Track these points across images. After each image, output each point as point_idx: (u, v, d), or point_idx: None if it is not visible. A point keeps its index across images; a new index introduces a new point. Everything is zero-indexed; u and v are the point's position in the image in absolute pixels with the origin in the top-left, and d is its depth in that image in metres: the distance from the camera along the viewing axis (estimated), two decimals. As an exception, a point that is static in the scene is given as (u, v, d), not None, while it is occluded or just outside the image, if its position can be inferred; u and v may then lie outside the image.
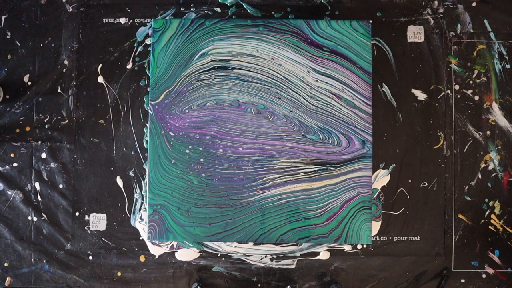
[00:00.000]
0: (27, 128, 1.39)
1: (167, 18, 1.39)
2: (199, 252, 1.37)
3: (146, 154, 1.37)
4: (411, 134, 1.38)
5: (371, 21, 1.27)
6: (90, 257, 1.38)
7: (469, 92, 1.39)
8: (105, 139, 1.39)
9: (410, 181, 1.38)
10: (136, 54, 1.39)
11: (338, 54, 1.25)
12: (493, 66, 1.39)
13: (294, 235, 1.24)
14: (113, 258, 1.38)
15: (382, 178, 1.37)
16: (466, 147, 1.39)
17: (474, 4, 1.40)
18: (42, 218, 1.38)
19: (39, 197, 1.38)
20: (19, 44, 1.40)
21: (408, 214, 1.38)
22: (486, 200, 1.38)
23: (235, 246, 1.36)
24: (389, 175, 1.38)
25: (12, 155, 1.39)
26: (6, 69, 1.40)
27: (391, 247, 1.37)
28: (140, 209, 1.38)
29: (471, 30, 1.40)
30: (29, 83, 1.39)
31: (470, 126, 1.39)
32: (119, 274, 1.38)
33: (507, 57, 1.39)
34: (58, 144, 1.39)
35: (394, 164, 1.38)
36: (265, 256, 1.37)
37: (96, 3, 1.40)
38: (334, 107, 1.25)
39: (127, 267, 1.38)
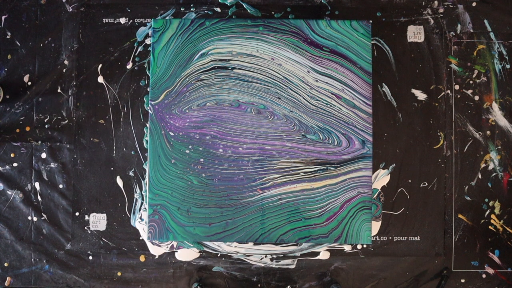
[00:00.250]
0: (27, 128, 1.39)
1: (167, 18, 1.39)
2: (199, 252, 1.37)
3: (146, 154, 1.37)
4: (411, 134, 1.38)
5: (371, 21, 1.27)
6: (90, 257, 1.38)
7: (469, 92, 1.39)
8: (105, 139, 1.39)
9: (410, 181, 1.38)
10: (136, 54, 1.39)
11: (338, 54, 1.25)
12: (493, 66, 1.39)
13: (294, 235, 1.24)
14: (113, 258, 1.38)
15: (382, 178, 1.37)
16: (466, 147, 1.39)
17: (474, 4, 1.40)
18: (42, 218, 1.38)
19: (39, 197, 1.38)
20: (19, 44, 1.40)
21: (408, 214, 1.38)
22: (486, 200, 1.38)
23: (235, 246, 1.36)
24: (389, 175, 1.38)
25: (12, 155, 1.39)
26: (6, 69, 1.40)
27: (391, 247, 1.37)
28: (140, 209, 1.38)
29: (471, 30, 1.40)
30: (29, 83, 1.39)
31: (470, 126, 1.39)
32: (119, 274, 1.38)
33: (507, 57, 1.39)
34: (58, 144, 1.39)
35: (394, 164, 1.38)
36: (265, 256, 1.37)
37: (96, 3, 1.40)
38: (334, 107, 1.25)
39: (127, 267, 1.38)
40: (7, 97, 1.39)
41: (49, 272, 1.38)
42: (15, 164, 1.38)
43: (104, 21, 1.40)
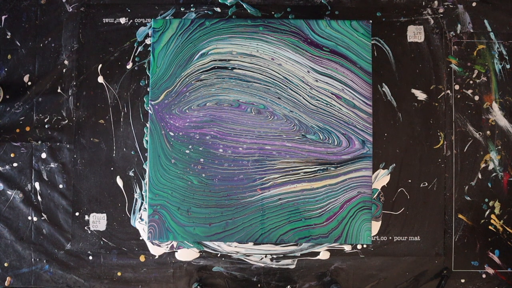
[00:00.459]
0: (27, 128, 1.39)
1: (167, 18, 1.39)
2: (199, 252, 1.37)
3: (146, 154, 1.37)
4: (411, 134, 1.38)
5: (371, 21, 1.27)
6: (90, 257, 1.38)
7: (469, 92, 1.39)
8: (105, 139, 1.39)
9: (410, 181, 1.38)
10: (136, 54, 1.39)
11: (338, 54, 1.25)
12: (493, 66, 1.39)
13: (294, 235, 1.24)
14: (113, 258, 1.38)
15: (382, 178, 1.37)
16: (466, 147, 1.39)
17: (474, 4, 1.40)
18: (42, 218, 1.38)
19: (39, 197, 1.38)
20: (19, 44, 1.40)
21: (408, 214, 1.38)
22: (486, 200, 1.38)
23: (235, 246, 1.36)
24: (389, 175, 1.38)
25: (12, 155, 1.39)
26: (6, 69, 1.40)
27: (391, 247, 1.37)
28: (140, 209, 1.38)
29: (471, 30, 1.40)
30: (29, 83, 1.39)
31: (470, 126, 1.39)
32: (119, 274, 1.38)
33: (507, 57, 1.39)
34: (58, 144, 1.39)
35: (394, 164, 1.38)
36: (265, 256, 1.37)
37: (96, 3, 1.40)
38: (334, 107, 1.25)
39: (127, 267, 1.38)
40: (7, 97, 1.39)
41: (49, 272, 1.38)
42: (15, 164, 1.38)
43: (104, 21, 1.40)
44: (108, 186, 1.38)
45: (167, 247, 1.37)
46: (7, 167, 1.38)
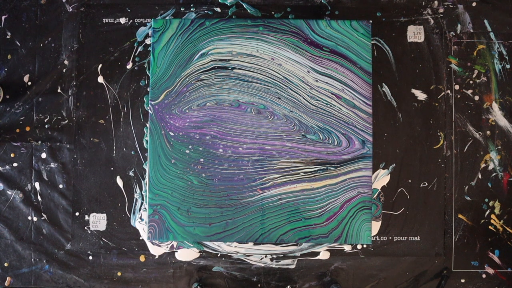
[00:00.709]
0: (27, 128, 1.39)
1: (167, 18, 1.39)
2: (199, 252, 1.37)
3: (146, 154, 1.37)
4: (411, 134, 1.38)
5: (371, 21, 1.27)
6: (90, 257, 1.38)
7: (469, 92, 1.39)
8: (105, 139, 1.39)
9: (410, 181, 1.38)
10: (136, 54, 1.39)
11: (338, 54, 1.25)
12: (493, 66, 1.39)
13: (294, 235, 1.24)
14: (113, 258, 1.38)
15: (382, 178, 1.37)
16: (466, 147, 1.39)
17: (474, 4, 1.40)
18: (42, 218, 1.38)
19: (39, 197, 1.38)
20: (19, 44, 1.40)
21: (408, 214, 1.38)
22: (486, 200, 1.38)
23: (235, 246, 1.36)
24: (389, 175, 1.38)
25: (12, 155, 1.39)
26: (6, 69, 1.40)
27: (391, 247, 1.37)
28: (140, 209, 1.38)
29: (471, 30, 1.40)
30: (29, 83, 1.39)
31: (470, 126, 1.39)
32: (119, 274, 1.38)
33: (507, 57, 1.39)
34: (58, 144, 1.39)
35: (394, 164, 1.38)
36: (265, 256, 1.37)
37: (96, 3, 1.40)
38: (334, 107, 1.25)
39: (127, 267, 1.38)
40: (7, 97, 1.39)
41: (49, 272, 1.38)
42: (15, 164, 1.38)
43: (104, 21, 1.40)
44: (108, 186, 1.38)
45: (167, 247, 1.37)
46: (7, 167, 1.38)
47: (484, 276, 1.38)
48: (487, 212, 1.38)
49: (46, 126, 1.39)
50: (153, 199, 1.24)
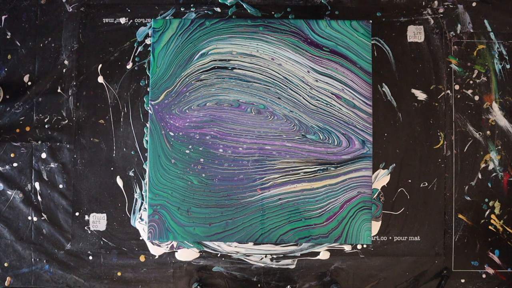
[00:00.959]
0: (27, 128, 1.39)
1: (167, 18, 1.39)
2: (199, 252, 1.37)
3: (146, 154, 1.37)
4: (411, 134, 1.38)
5: (371, 21, 1.27)
6: (90, 257, 1.38)
7: (469, 92, 1.39)
8: (105, 139, 1.39)
9: (410, 181, 1.38)
10: (136, 54, 1.39)
11: (338, 54, 1.25)
12: (493, 66, 1.39)
13: (294, 235, 1.24)
14: (113, 258, 1.38)
15: (382, 178, 1.37)
16: (466, 147, 1.39)
17: (474, 4, 1.40)
18: (42, 218, 1.38)
19: (39, 197, 1.38)
20: (19, 44, 1.40)
21: (408, 214, 1.38)
22: (486, 200, 1.38)
23: (235, 246, 1.36)
24: (389, 175, 1.38)
25: (12, 155, 1.39)
26: (6, 69, 1.40)
27: (391, 247, 1.37)
28: (140, 209, 1.38)
29: (471, 30, 1.40)
30: (29, 83, 1.39)
31: (470, 126, 1.39)
32: (119, 274, 1.38)
33: (507, 57, 1.39)
34: (58, 144, 1.39)
35: (394, 164, 1.38)
36: (265, 256, 1.37)
37: (96, 3, 1.40)
38: (334, 107, 1.25)
39: (127, 267, 1.38)
40: (7, 97, 1.39)
41: (49, 272, 1.38)
42: (15, 164, 1.38)
43: (104, 21, 1.40)
44: (108, 186, 1.38)
45: (167, 247, 1.37)
46: (7, 167, 1.38)
47: (484, 276, 1.38)
48: (487, 212, 1.38)
49: (46, 126, 1.39)
50: (153, 199, 1.24)
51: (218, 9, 1.39)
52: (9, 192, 1.38)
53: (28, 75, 1.39)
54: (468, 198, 1.38)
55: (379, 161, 1.38)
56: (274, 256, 1.37)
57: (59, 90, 1.39)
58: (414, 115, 1.38)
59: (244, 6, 1.39)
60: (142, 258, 1.38)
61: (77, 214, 1.38)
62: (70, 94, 1.39)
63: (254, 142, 1.25)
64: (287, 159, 1.24)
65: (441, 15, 1.40)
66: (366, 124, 1.25)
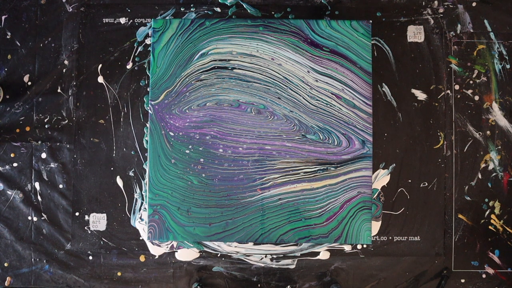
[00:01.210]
0: (27, 128, 1.39)
1: (167, 18, 1.39)
2: (199, 252, 1.37)
3: (146, 154, 1.37)
4: (411, 134, 1.38)
5: (371, 21, 1.27)
6: (90, 257, 1.38)
7: (469, 92, 1.39)
8: (105, 139, 1.39)
9: (410, 181, 1.38)
10: (136, 54, 1.39)
11: (338, 54, 1.25)
12: (493, 66, 1.39)
13: (294, 235, 1.24)
14: (113, 258, 1.38)
15: (382, 178, 1.37)
16: (466, 147, 1.39)
17: (474, 4, 1.40)
18: (42, 218, 1.38)
19: (39, 197, 1.38)
20: (19, 44, 1.40)
21: (408, 214, 1.38)
22: (486, 200, 1.38)
23: (235, 246, 1.36)
24: (389, 175, 1.38)
25: (12, 155, 1.39)
26: (6, 69, 1.40)
27: (391, 247, 1.37)
28: (140, 209, 1.38)
29: (471, 30, 1.40)
30: (29, 83, 1.39)
31: (470, 126, 1.39)
32: (119, 274, 1.38)
33: (507, 57, 1.39)
34: (58, 144, 1.39)
35: (394, 164, 1.38)
36: (265, 256, 1.37)
37: (96, 3, 1.40)
38: (334, 107, 1.25)
39: (127, 267, 1.38)
40: (7, 97, 1.39)
41: (49, 272, 1.38)
42: (15, 164, 1.38)
43: (104, 21, 1.40)
44: (108, 186, 1.38)
45: (167, 247, 1.37)
46: (7, 167, 1.38)
47: (484, 276, 1.38)
48: (487, 212, 1.38)
49: (46, 126, 1.39)
50: (153, 199, 1.24)
51: (218, 9, 1.39)
52: (9, 192, 1.38)
53: (28, 75, 1.39)
54: (468, 198, 1.38)
55: (379, 161, 1.38)
56: (274, 256, 1.37)
57: (59, 90, 1.39)
58: (414, 115, 1.38)
59: (244, 6, 1.39)
60: (142, 258, 1.38)
61: (77, 214, 1.38)
62: (70, 94, 1.39)
63: (254, 142, 1.25)
64: (287, 159, 1.24)
65: (441, 15, 1.40)
66: (366, 124, 1.25)
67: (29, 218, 1.38)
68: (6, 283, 1.37)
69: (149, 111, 1.25)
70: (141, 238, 1.38)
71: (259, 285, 1.38)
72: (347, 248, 1.37)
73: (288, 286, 1.38)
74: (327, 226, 1.23)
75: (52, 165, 1.38)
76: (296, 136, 1.25)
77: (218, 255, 1.37)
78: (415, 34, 1.39)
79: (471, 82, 1.39)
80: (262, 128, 1.25)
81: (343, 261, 1.38)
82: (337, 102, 1.25)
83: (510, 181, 1.38)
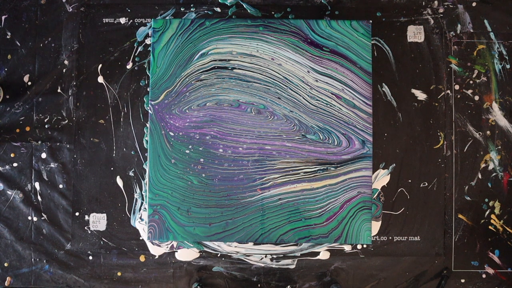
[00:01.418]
0: (27, 128, 1.39)
1: (167, 18, 1.39)
2: (199, 252, 1.37)
3: (146, 154, 1.37)
4: (411, 134, 1.38)
5: (371, 21, 1.27)
6: (90, 257, 1.38)
7: (469, 92, 1.39)
8: (105, 139, 1.39)
9: (410, 181, 1.38)
10: (136, 54, 1.39)
11: (338, 54, 1.25)
12: (493, 66, 1.39)
13: (294, 235, 1.24)
14: (113, 258, 1.38)
15: (382, 178, 1.37)
16: (466, 147, 1.39)
17: (474, 4, 1.40)
18: (42, 218, 1.38)
19: (39, 197, 1.38)
20: (19, 44, 1.40)
21: (408, 214, 1.38)
22: (486, 200, 1.38)
23: (235, 246, 1.36)
24: (389, 175, 1.38)
25: (12, 155, 1.39)
26: (6, 69, 1.40)
27: (391, 247, 1.37)
28: (140, 209, 1.38)
29: (471, 30, 1.40)
30: (29, 83, 1.39)
31: (470, 126, 1.39)
32: (119, 274, 1.38)
33: (507, 57, 1.39)
34: (58, 144, 1.39)
35: (394, 164, 1.38)
36: (265, 256, 1.37)
37: (96, 3, 1.40)
38: (334, 107, 1.25)
39: (127, 267, 1.38)
40: (7, 97, 1.39)
41: (49, 272, 1.38)
42: (15, 164, 1.38)
43: (104, 21, 1.40)
44: (108, 186, 1.38)
45: (167, 247, 1.37)
46: (7, 167, 1.38)
47: (484, 276, 1.38)
48: (487, 212, 1.38)
49: (46, 126, 1.39)
50: (153, 199, 1.24)
51: (218, 9, 1.39)
52: (9, 192, 1.38)
53: (28, 75, 1.39)
54: (468, 198, 1.38)
55: (379, 161, 1.38)
56: (274, 256, 1.37)
57: (59, 90, 1.39)
58: (414, 115, 1.38)
59: (244, 6, 1.39)
60: (142, 258, 1.38)
61: (77, 214, 1.38)
62: (70, 94, 1.39)
63: (254, 142, 1.25)
64: (287, 159, 1.24)
65: (441, 15, 1.40)
66: (366, 124, 1.25)
67: (29, 218, 1.38)
68: (6, 283, 1.37)
69: (149, 111, 1.25)
70: (141, 238, 1.38)
71: (259, 285, 1.38)
72: (347, 248, 1.37)
73: (288, 286, 1.38)
74: (327, 226, 1.23)
75: (52, 165, 1.38)
76: (296, 136, 1.25)
77: (218, 255, 1.37)
78: (415, 34, 1.39)
79: (471, 82, 1.39)
80: (262, 128, 1.25)
81: (343, 261, 1.38)
82: (337, 102, 1.25)
83: (510, 181, 1.38)
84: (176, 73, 1.25)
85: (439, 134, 1.39)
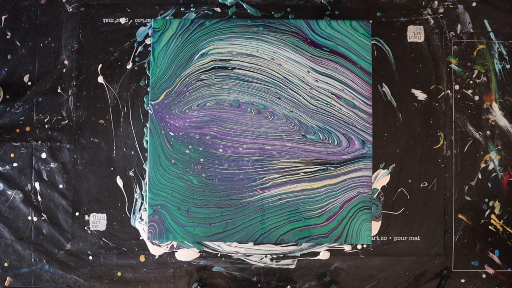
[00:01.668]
0: (27, 128, 1.39)
1: (167, 18, 1.39)
2: (199, 252, 1.37)
3: (146, 154, 1.37)
4: (411, 134, 1.38)
5: (371, 21, 1.27)
6: (90, 257, 1.38)
7: (469, 92, 1.39)
8: (105, 139, 1.39)
9: (410, 181, 1.38)
10: (136, 54, 1.39)
11: (338, 54, 1.25)
12: (493, 66, 1.39)
13: (294, 235, 1.24)
14: (113, 258, 1.38)
15: (382, 178, 1.37)
16: (466, 147, 1.39)
17: (474, 4, 1.40)
18: (42, 218, 1.38)
19: (39, 197, 1.38)
20: (19, 44, 1.40)
21: (408, 214, 1.38)
22: (486, 200, 1.38)
23: (235, 246, 1.36)
24: (389, 175, 1.38)
25: (12, 155, 1.39)
26: (6, 69, 1.40)
27: (391, 247, 1.37)
28: (140, 209, 1.38)
29: (471, 30, 1.40)
30: (29, 83, 1.39)
31: (470, 126, 1.39)
32: (119, 274, 1.38)
33: (507, 57, 1.39)
34: (58, 144, 1.39)
35: (394, 164, 1.38)
36: (265, 256, 1.37)
37: (96, 3, 1.40)
38: (334, 107, 1.25)
39: (127, 267, 1.38)
40: (7, 97, 1.39)
41: (49, 272, 1.38)
42: (15, 164, 1.38)
43: (104, 21, 1.40)
44: (108, 186, 1.38)
45: (167, 247, 1.37)
46: (7, 167, 1.38)
47: (484, 276, 1.38)
48: (487, 212, 1.38)
49: (46, 126, 1.39)
50: (153, 199, 1.24)
51: (218, 9, 1.39)
52: (9, 192, 1.38)
53: (28, 75, 1.39)
54: (468, 198, 1.38)
55: (379, 161, 1.38)
56: (274, 256, 1.37)
57: (59, 90, 1.39)
58: (414, 115, 1.38)
59: (244, 6, 1.39)
60: (142, 258, 1.38)
61: (77, 214, 1.38)
62: (70, 94, 1.39)
63: (254, 142, 1.25)
64: (287, 159, 1.24)
65: (441, 15, 1.40)
66: (366, 124, 1.25)
67: (29, 218, 1.38)
68: (6, 283, 1.37)
69: (149, 111, 1.25)
70: (141, 238, 1.38)
71: (259, 285, 1.38)
72: (347, 248, 1.37)
73: (288, 286, 1.38)
74: (327, 226, 1.23)
75: (52, 165, 1.38)
76: (296, 136, 1.25)
77: (218, 255, 1.37)
78: (415, 34, 1.39)
79: (471, 82, 1.39)
80: (262, 128, 1.25)
81: (343, 261, 1.38)
82: (337, 102, 1.25)
83: (510, 181, 1.38)
84: (176, 73, 1.25)
85: (439, 134, 1.39)
